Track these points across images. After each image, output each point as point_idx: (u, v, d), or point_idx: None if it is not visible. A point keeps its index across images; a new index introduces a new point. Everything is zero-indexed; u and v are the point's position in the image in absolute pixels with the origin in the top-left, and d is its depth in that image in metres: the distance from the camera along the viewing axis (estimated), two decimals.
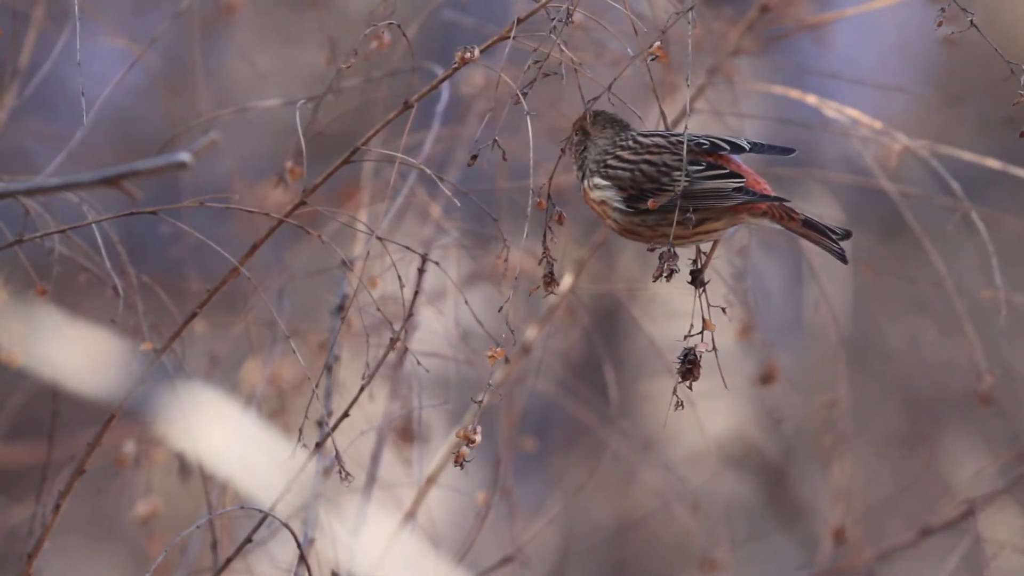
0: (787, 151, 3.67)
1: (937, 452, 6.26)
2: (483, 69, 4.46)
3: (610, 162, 3.62)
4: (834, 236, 3.63)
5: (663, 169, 3.59)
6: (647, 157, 3.60)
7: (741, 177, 3.59)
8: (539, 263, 3.53)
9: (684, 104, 3.63)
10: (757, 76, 4.76)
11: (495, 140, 3.47)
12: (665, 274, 3.55)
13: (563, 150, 3.64)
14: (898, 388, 6.46)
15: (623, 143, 3.63)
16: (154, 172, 3.08)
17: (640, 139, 3.63)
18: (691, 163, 3.58)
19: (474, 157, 3.50)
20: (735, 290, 4.34)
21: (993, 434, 6.02)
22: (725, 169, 3.60)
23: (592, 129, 3.65)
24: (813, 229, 3.64)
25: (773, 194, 3.61)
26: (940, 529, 4.49)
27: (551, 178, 3.54)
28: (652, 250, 3.61)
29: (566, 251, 4.36)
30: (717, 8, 4.36)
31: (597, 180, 3.62)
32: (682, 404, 3.56)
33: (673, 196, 3.56)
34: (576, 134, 3.65)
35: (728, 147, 3.62)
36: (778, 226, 3.64)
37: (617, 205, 3.61)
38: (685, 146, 3.58)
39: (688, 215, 3.55)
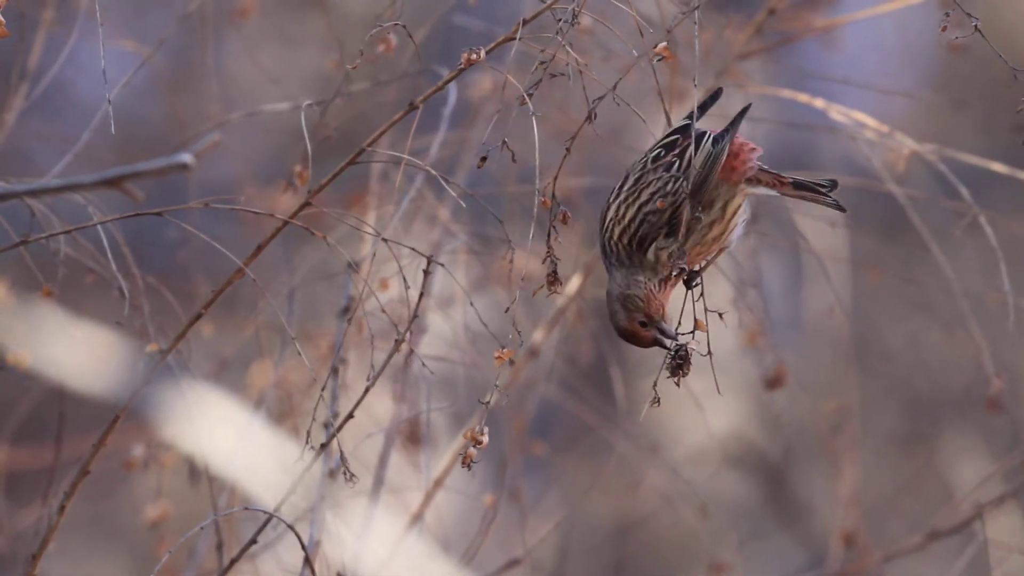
0: (715, 96, 3.68)
1: (937, 452, 6.27)
2: (490, 74, 4.46)
3: (625, 240, 3.61)
4: (823, 190, 3.67)
5: (655, 193, 3.60)
6: (630, 211, 3.60)
7: (704, 132, 3.60)
8: (543, 262, 3.52)
9: (692, 108, 3.63)
10: (764, 79, 4.76)
11: (504, 141, 3.46)
12: (675, 272, 3.56)
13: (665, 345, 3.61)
14: (898, 388, 6.47)
15: (609, 232, 3.62)
16: (156, 173, 3.08)
17: (610, 212, 3.62)
18: (666, 169, 3.59)
19: (483, 159, 3.50)
20: (741, 293, 4.35)
21: (993, 434, 6.04)
22: (688, 141, 3.61)
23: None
24: (804, 189, 3.69)
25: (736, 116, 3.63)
26: (948, 533, 4.50)
27: (555, 178, 3.54)
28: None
29: (576, 256, 4.37)
30: (725, 12, 4.37)
31: (650, 255, 3.60)
32: (659, 401, 3.57)
33: (683, 196, 3.57)
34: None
35: (679, 135, 3.62)
36: (775, 192, 3.68)
37: (671, 246, 3.60)
38: (643, 170, 3.60)
39: (705, 210, 3.56)
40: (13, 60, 4.40)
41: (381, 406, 4.35)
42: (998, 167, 4.32)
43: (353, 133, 4.16)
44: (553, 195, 3.53)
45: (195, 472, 4.21)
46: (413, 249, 3.65)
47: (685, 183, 3.57)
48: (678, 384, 3.56)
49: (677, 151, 3.60)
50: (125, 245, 3.97)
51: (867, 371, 6.29)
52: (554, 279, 3.53)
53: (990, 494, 4.49)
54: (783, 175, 3.68)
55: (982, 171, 4.36)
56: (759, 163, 3.66)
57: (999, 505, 4.46)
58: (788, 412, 6.09)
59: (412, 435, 4.49)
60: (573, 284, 4.37)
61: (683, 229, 3.57)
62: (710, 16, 3.51)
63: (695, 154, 3.58)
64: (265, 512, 3.70)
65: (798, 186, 3.69)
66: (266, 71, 5.56)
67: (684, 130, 3.62)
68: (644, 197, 3.60)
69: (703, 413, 4.44)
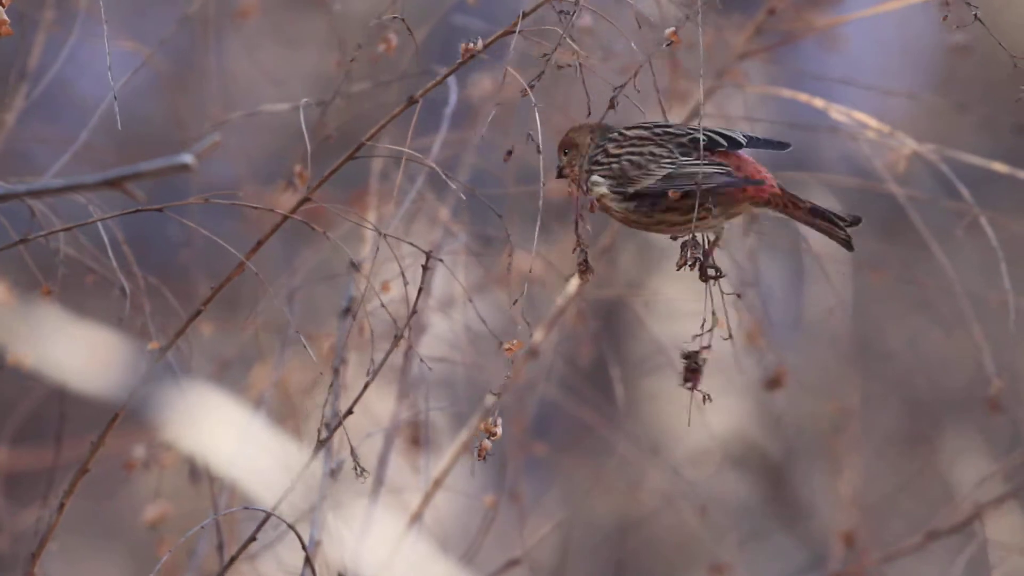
0: (784, 145, 3.67)
1: (937, 452, 6.27)
2: (491, 74, 4.47)
3: (600, 158, 3.64)
4: (841, 224, 3.61)
5: (649, 157, 3.60)
6: (630, 149, 3.62)
7: (725, 165, 3.59)
8: (573, 251, 3.52)
9: (694, 108, 3.63)
10: (765, 79, 4.76)
11: (529, 135, 3.46)
12: (689, 262, 3.56)
13: (560, 175, 3.66)
14: (898, 388, 6.46)
15: (612, 137, 3.64)
16: (157, 173, 3.09)
17: (625, 132, 3.65)
18: (683, 153, 3.59)
19: (509, 152, 3.51)
20: (742, 294, 4.35)
21: (994, 434, 6.04)
22: (715, 160, 3.60)
23: (585, 141, 3.66)
24: (820, 217, 3.63)
25: (755, 179, 3.61)
26: (947, 533, 4.50)
27: (580, 167, 3.55)
28: (675, 239, 3.62)
29: (575, 255, 4.37)
30: (725, 13, 4.37)
31: (593, 178, 3.64)
32: (690, 408, 3.56)
33: (657, 178, 3.57)
34: (565, 153, 3.67)
35: (726, 143, 3.62)
36: (782, 215, 3.64)
37: (613, 195, 3.62)
38: (679, 136, 3.61)
39: (678, 202, 3.56)
40: (13, 60, 4.40)
41: (381, 406, 4.35)
42: (999, 167, 4.32)
43: (353, 133, 4.16)
44: (579, 185, 3.54)
45: (195, 472, 4.22)
46: (413, 245, 3.65)
47: (673, 168, 3.57)
48: (691, 390, 3.56)
49: (705, 152, 3.58)
50: (126, 244, 3.97)
51: (867, 371, 6.29)
52: (586, 267, 3.53)
53: (990, 494, 4.49)
54: (800, 199, 3.64)
55: (983, 171, 4.36)
56: (776, 185, 3.63)
57: (999, 505, 4.46)
58: (789, 412, 6.09)
59: (412, 435, 4.49)
60: (572, 284, 4.37)
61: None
62: (710, 16, 3.51)
63: (704, 166, 3.57)
64: (265, 512, 3.70)
65: (814, 213, 3.63)
66: (267, 71, 5.57)
67: (733, 143, 3.61)
68: (645, 150, 3.60)
69: (704, 413, 4.44)
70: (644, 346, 6.27)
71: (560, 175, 3.68)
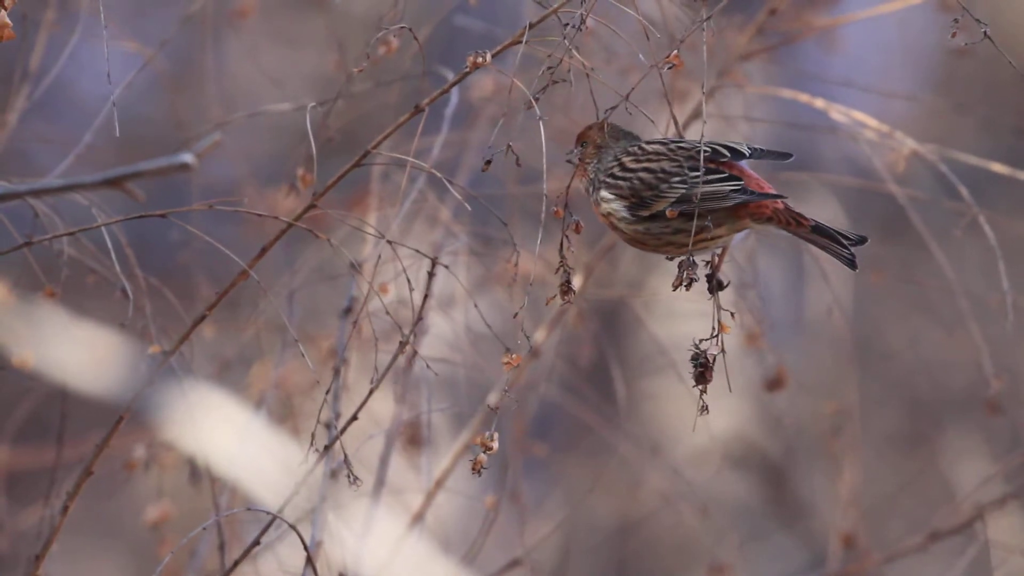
0: (785, 156, 3.66)
1: (938, 452, 6.27)
2: (493, 74, 4.46)
3: (616, 172, 3.63)
4: (846, 242, 3.60)
5: (661, 176, 3.59)
6: (646, 165, 3.61)
7: (739, 179, 3.58)
8: (556, 272, 3.52)
9: (695, 108, 3.63)
10: (765, 80, 4.77)
11: (509, 145, 3.46)
12: (685, 283, 3.55)
13: (569, 161, 3.65)
14: (899, 388, 6.46)
15: (631, 150, 3.64)
16: (158, 173, 3.08)
17: (644, 147, 3.63)
18: (691, 168, 3.58)
19: (488, 162, 3.49)
20: (741, 294, 4.35)
21: (994, 434, 6.04)
22: (724, 173, 3.59)
23: (604, 141, 3.65)
24: (823, 235, 3.60)
25: (773, 192, 3.60)
26: (949, 533, 4.50)
27: (568, 186, 3.53)
28: (671, 259, 3.61)
29: (577, 256, 4.37)
30: (727, 13, 4.37)
31: (603, 193, 3.63)
32: (707, 408, 3.55)
33: (670, 202, 3.57)
34: (582, 146, 3.66)
35: (729, 153, 3.61)
36: (785, 232, 3.62)
37: (623, 215, 3.61)
38: (690, 150, 3.59)
39: (689, 223, 3.56)
40: (15, 61, 4.40)
41: (382, 407, 4.36)
42: (998, 167, 4.32)
43: (355, 134, 4.17)
44: (566, 205, 3.52)
45: (196, 473, 4.22)
46: (417, 251, 3.65)
47: (685, 189, 3.57)
48: (704, 391, 3.55)
49: (713, 167, 3.57)
50: (128, 246, 3.97)
51: (868, 371, 6.29)
52: (568, 289, 3.53)
53: (991, 495, 4.50)
54: (804, 217, 3.62)
55: (982, 171, 4.37)
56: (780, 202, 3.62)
57: (1000, 506, 4.47)
58: (789, 412, 6.09)
59: (413, 436, 4.49)
60: (574, 284, 4.37)
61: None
62: (711, 16, 3.51)
63: (714, 181, 3.56)
64: (267, 513, 3.71)
65: (818, 230, 3.60)
66: (267, 72, 5.56)
67: (736, 154, 3.60)
68: (659, 166, 3.59)
69: (701, 414, 4.44)
70: (644, 346, 6.27)
71: (570, 162, 3.67)
